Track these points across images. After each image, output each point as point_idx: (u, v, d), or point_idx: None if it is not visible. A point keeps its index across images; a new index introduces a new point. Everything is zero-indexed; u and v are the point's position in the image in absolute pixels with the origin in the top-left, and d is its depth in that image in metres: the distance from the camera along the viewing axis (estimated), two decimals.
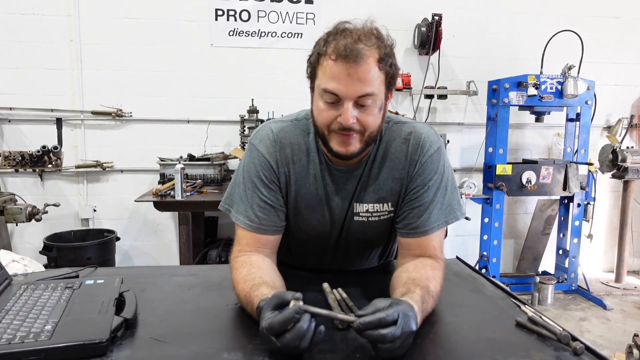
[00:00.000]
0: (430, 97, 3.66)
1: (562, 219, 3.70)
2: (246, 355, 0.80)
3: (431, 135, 1.13)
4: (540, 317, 0.93)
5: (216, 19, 3.48)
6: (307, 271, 1.24)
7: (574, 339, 0.83)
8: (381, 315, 0.76)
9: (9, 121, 3.33)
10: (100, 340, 0.79)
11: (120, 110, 3.40)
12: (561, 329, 0.85)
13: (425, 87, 3.60)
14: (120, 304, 0.95)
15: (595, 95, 3.42)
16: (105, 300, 0.94)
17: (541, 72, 3.36)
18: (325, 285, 1.11)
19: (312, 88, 1.06)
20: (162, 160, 3.25)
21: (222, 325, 0.95)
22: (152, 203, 2.79)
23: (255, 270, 1.01)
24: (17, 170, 3.06)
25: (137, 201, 2.90)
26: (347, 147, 1.02)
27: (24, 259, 1.17)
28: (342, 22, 1.01)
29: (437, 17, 3.48)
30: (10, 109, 3.29)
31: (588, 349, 0.81)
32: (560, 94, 3.29)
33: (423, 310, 0.90)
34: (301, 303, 0.76)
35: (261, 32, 3.54)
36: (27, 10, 3.27)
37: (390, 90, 1.05)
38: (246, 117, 3.35)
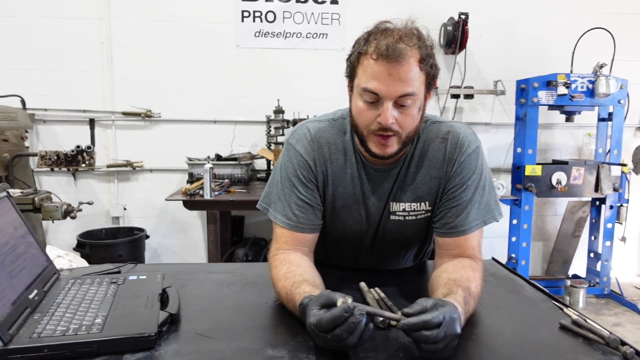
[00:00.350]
0: (456, 96, 3.62)
1: (594, 221, 3.61)
2: (290, 351, 0.81)
3: (469, 134, 1.13)
4: (585, 320, 0.92)
5: (242, 21, 3.52)
6: (343, 270, 1.24)
7: (623, 343, 0.81)
8: (426, 318, 0.75)
9: (44, 122, 3.43)
10: (149, 334, 0.81)
11: (150, 111, 3.47)
12: (609, 333, 0.84)
13: (451, 87, 3.56)
14: (163, 299, 0.97)
15: (628, 94, 3.32)
16: (150, 296, 0.96)
17: (571, 71, 3.28)
18: (363, 284, 1.11)
19: (351, 87, 1.06)
20: (190, 160, 3.30)
21: (263, 321, 0.96)
22: (181, 202, 2.84)
23: (295, 268, 1.02)
24: (52, 170, 3.15)
25: (168, 200, 2.95)
26: (385, 149, 1.03)
27: (68, 254, 1.21)
28: (383, 22, 1.01)
29: (463, 16, 3.44)
30: (45, 110, 3.39)
31: (639, 353, 0.80)
32: (591, 93, 3.22)
33: (466, 312, 0.89)
34: (350, 300, 0.76)
35: (286, 33, 3.57)
36: (61, 14, 3.36)
37: (430, 90, 1.04)
38: (272, 117, 3.37)
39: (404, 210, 1.15)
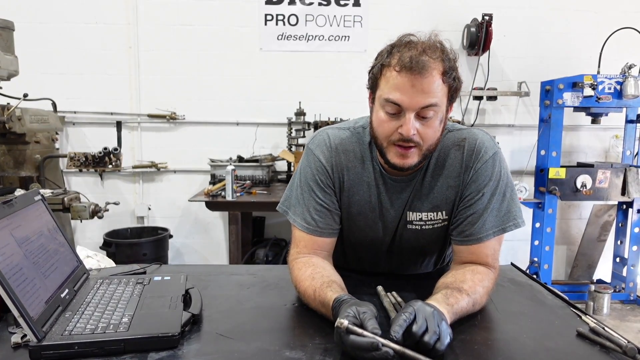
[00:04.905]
0: (479, 98, 3.59)
1: (620, 225, 3.53)
2: (307, 354, 0.84)
3: (486, 140, 1.13)
4: (603, 328, 0.91)
5: (265, 24, 3.57)
6: (362, 274, 1.26)
7: None
8: (403, 318, 0.80)
9: (74, 124, 3.55)
10: (173, 333, 0.85)
11: (174, 113, 3.55)
12: (627, 341, 0.83)
13: (474, 89, 3.53)
14: (186, 299, 1.01)
15: None
16: (174, 296, 1.00)
17: (598, 72, 3.21)
18: (380, 288, 1.12)
19: (373, 99, 1.08)
20: (212, 162, 3.36)
21: (282, 323, 0.99)
22: (203, 203, 2.90)
23: (321, 270, 1.05)
24: (80, 170, 3.26)
25: (191, 201, 3.02)
26: (405, 160, 1.04)
27: (96, 254, 1.26)
28: (407, 35, 1.02)
29: (487, 17, 3.41)
30: (75, 112, 3.51)
31: None
32: (619, 94, 3.15)
33: (450, 304, 0.92)
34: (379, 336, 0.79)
35: (309, 36, 3.60)
36: (91, 20, 3.47)
37: (452, 103, 1.05)
38: (293, 119, 3.41)
39: (420, 219, 1.16)
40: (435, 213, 1.15)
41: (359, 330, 0.79)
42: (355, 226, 1.19)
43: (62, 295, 0.93)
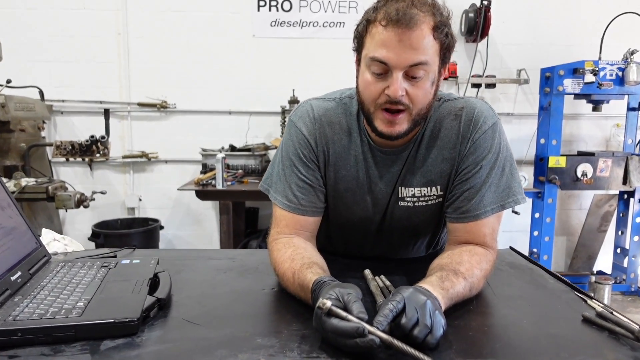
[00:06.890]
0: (477, 86, 3.50)
1: (621, 215, 3.45)
2: (281, 340, 0.75)
3: (485, 110, 1.03)
4: (612, 312, 0.83)
5: (258, 10, 3.47)
6: (348, 258, 1.17)
7: None
8: (389, 307, 0.71)
9: (62, 113, 3.45)
10: (131, 319, 0.76)
11: (165, 101, 3.45)
12: (639, 326, 0.75)
13: (472, 76, 3.44)
14: (154, 284, 0.92)
15: None
16: (140, 280, 0.91)
17: (600, 58, 3.12)
18: (367, 271, 1.04)
19: (358, 61, 0.98)
20: (204, 151, 3.28)
21: (257, 309, 0.90)
22: (194, 192, 2.81)
23: (302, 251, 0.96)
24: (67, 160, 3.17)
25: (180, 190, 2.93)
26: (393, 127, 0.94)
27: (64, 238, 1.18)
28: None
29: (486, 2, 3.31)
30: (63, 101, 3.41)
31: None
32: (621, 81, 3.05)
33: (445, 288, 0.83)
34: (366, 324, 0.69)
35: (303, 22, 3.50)
36: (79, 5, 3.37)
37: (445, 63, 0.95)
38: (287, 107, 3.32)
39: (413, 195, 1.07)
40: (429, 188, 1.05)
41: (343, 314, 0.70)
42: (342, 204, 1.10)
43: (13, 279, 0.85)
